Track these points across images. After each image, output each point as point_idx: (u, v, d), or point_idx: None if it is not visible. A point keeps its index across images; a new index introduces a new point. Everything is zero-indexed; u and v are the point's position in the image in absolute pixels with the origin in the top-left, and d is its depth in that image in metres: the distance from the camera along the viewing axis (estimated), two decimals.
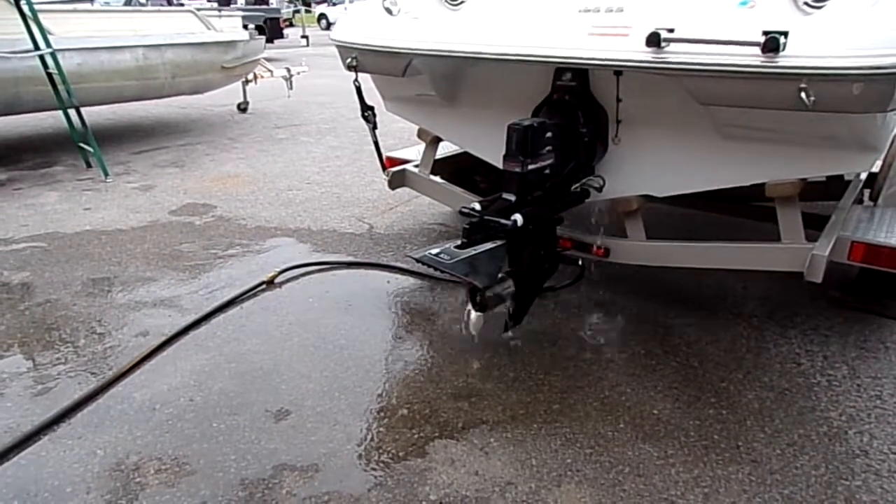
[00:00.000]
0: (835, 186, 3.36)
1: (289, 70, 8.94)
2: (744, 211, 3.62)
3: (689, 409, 2.42)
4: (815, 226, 2.74)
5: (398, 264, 3.68)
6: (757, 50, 1.99)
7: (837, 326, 3.01)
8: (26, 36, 5.22)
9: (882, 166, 3.39)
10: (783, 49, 1.97)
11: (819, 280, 2.50)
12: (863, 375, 2.63)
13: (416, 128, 3.70)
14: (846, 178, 3.46)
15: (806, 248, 2.54)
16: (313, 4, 32.23)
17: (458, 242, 2.44)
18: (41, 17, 5.26)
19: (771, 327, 3.01)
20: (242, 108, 8.80)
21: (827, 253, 2.48)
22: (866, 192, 3.50)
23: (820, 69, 1.95)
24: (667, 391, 2.53)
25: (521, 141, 2.42)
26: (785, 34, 1.97)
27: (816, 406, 2.44)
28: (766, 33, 1.97)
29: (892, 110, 2.16)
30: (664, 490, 2.02)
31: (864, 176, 3.50)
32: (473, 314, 2.57)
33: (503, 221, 2.39)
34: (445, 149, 3.90)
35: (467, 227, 2.44)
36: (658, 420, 2.36)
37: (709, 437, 2.27)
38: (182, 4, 14.06)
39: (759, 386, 2.56)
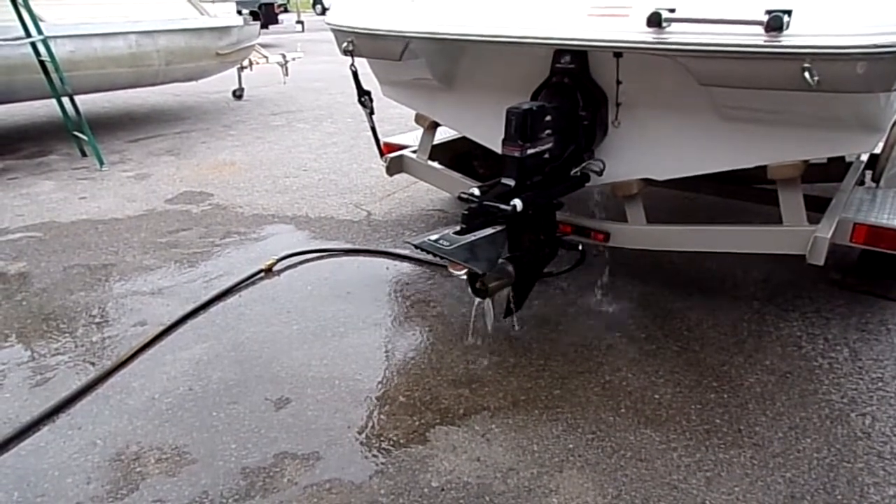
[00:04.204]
0: (836, 168, 3.33)
1: (284, 56, 8.86)
2: (745, 194, 3.60)
3: (690, 393, 2.42)
4: (816, 208, 2.72)
5: (397, 251, 3.65)
6: (760, 29, 1.96)
7: (839, 309, 3.00)
8: (17, 23, 5.15)
9: (884, 147, 3.36)
10: (787, 28, 1.94)
11: (821, 262, 2.48)
12: (864, 358, 2.63)
13: (414, 113, 3.66)
14: (848, 159, 3.43)
15: (808, 230, 2.52)
16: None
17: (458, 228, 2.42)
18: (32, 3, 5.18)
19: (772, 310, 3.00)
20: (238, 94, 8.73)
21: (829, 235, 2.46)
22: (868, 174, 3.48)
23: (824, 48, 1.92)
24: (668, 375, 2.52)
25: (520, 125, 2.39)
26: (788, 13, 1.94)
27: (818, 389, 2.43)
28: (769, 12, 1.94)
29: (895, 90, 2.13)
30: (666, 475, 2.02)
31: (865, 157, 3.48)
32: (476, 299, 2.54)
33: (502, 206, 2.37)
34: (444, 134, 3.86)
35: (466, 212, 2.42)
36: (659, 404, 2.35)
37: (710, 421, 2.26)
38: None
39: (760, 369, 2.56)
